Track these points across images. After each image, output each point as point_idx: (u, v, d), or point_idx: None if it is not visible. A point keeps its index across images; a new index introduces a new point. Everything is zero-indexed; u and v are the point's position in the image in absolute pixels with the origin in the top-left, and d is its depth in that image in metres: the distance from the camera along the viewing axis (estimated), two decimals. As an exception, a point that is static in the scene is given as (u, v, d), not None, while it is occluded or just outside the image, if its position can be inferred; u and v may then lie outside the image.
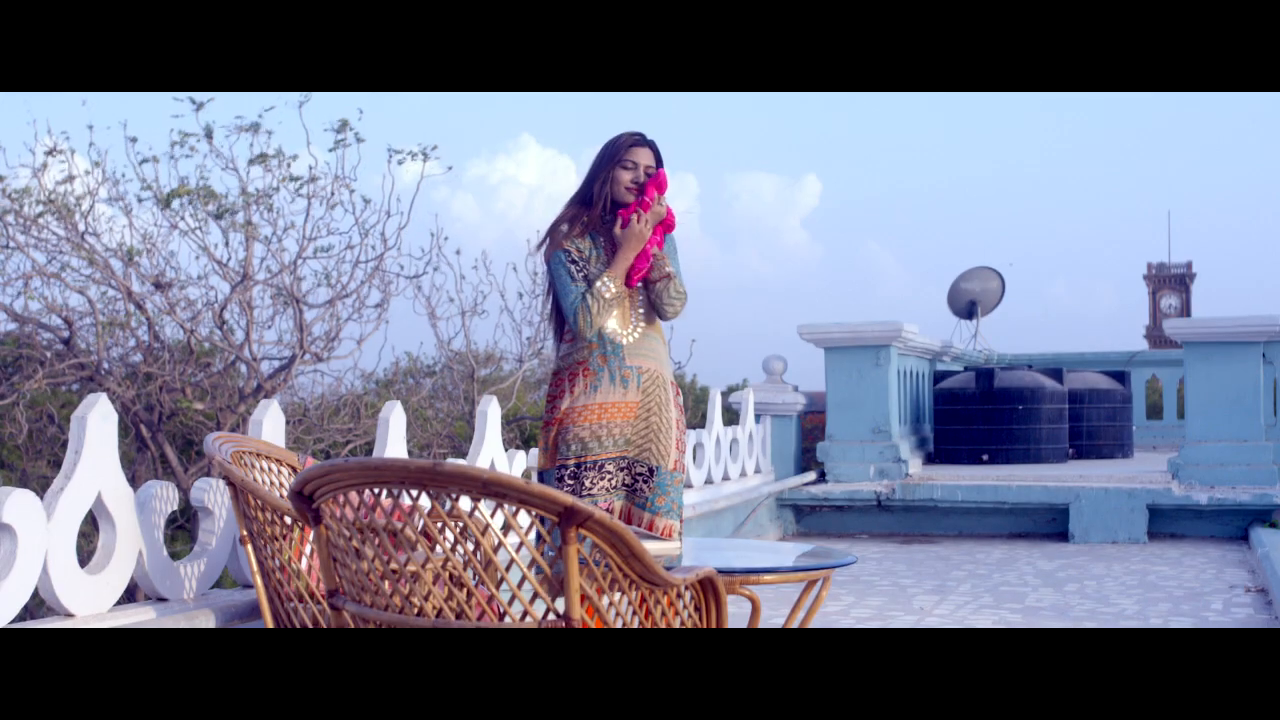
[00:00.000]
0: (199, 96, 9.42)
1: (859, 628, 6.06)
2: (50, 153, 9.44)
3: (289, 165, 9.58)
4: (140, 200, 9.66)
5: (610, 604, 2.56)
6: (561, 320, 4.07)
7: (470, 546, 2.46)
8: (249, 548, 3.80)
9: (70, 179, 9.50)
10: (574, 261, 3.98)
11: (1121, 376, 12.82)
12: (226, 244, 9.57)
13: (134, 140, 9.74)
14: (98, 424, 3.71)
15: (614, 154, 4.01)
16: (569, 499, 2.37)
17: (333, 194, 9.61)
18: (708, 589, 2.71)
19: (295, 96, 9.49)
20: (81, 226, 9.29)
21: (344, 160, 9.70)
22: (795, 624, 3.45)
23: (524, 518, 2.44)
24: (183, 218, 9.59)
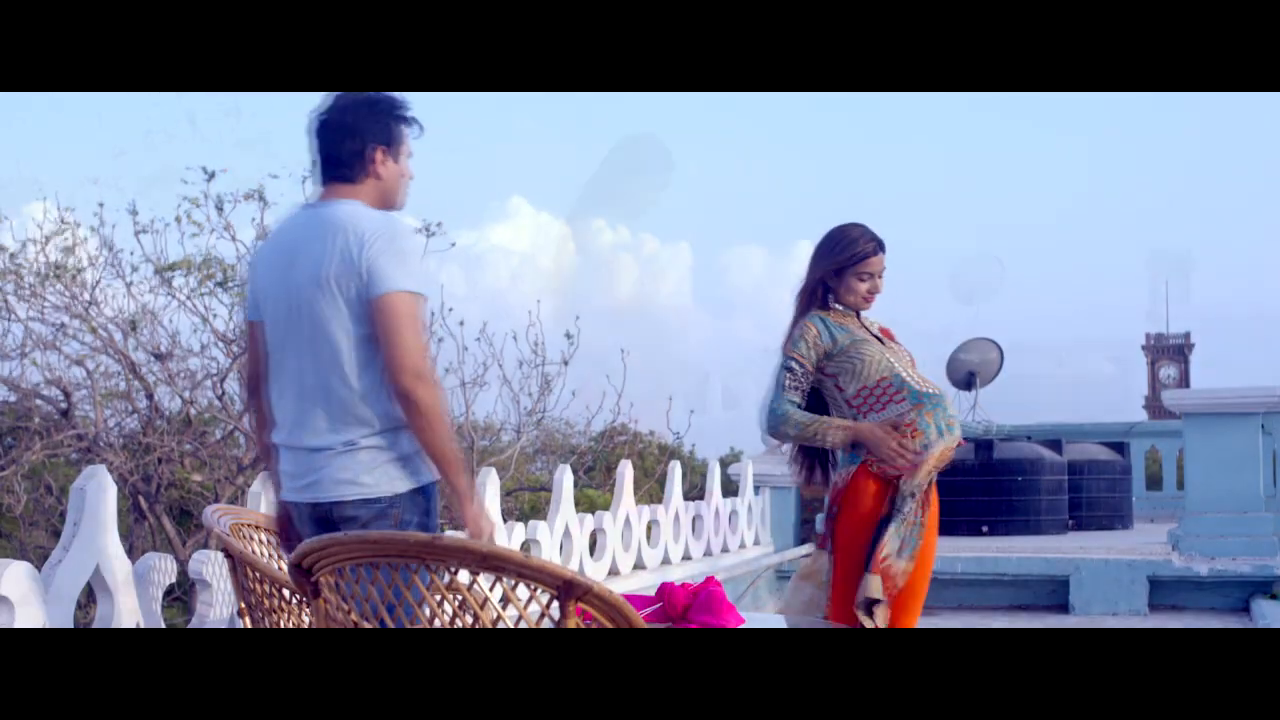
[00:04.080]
0: (210, 165, 9.51)
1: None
2: (59, 228, 9.53)
3: None
4: (136, 269, 9.72)
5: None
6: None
7: (469, 619, 2.45)
8: (246, 620, 3.78)
9: (73, 248, 9.57)
10: (794, 368, 4.04)
11: (1121, 447, 12.82)
12: (230, 317, 9.60)
13: (135, 213, 9.84)
14: (96, 495, 3.71)
15: (849, 258, 4.06)
16: (568, 573, 2.36)
17: None
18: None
19: (299, 171, 9.57)
20: (87, 297, 9.34)
21: None
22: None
23: (523, 591, 2.43)
24: (183, 290, 9.64)
